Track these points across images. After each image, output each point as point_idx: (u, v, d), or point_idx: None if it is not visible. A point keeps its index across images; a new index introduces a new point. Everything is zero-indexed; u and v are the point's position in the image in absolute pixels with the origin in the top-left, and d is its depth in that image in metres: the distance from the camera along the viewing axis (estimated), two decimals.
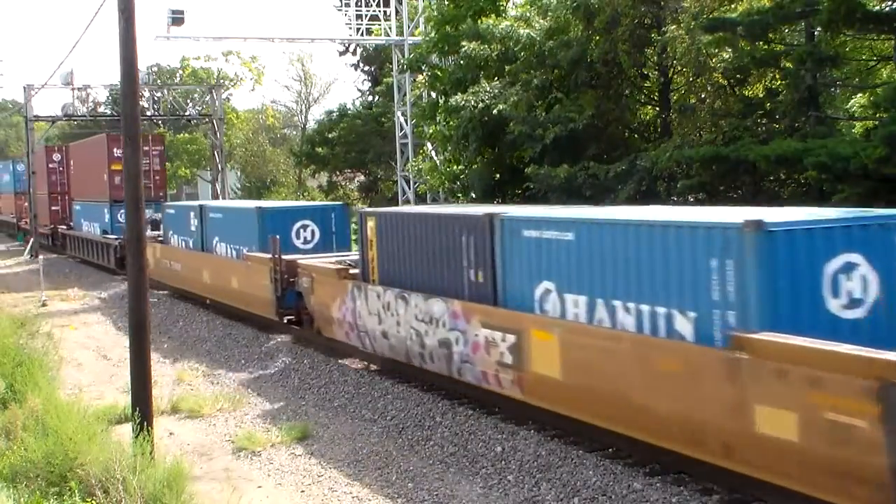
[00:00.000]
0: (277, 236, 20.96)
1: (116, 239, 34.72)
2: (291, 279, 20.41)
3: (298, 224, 22.76)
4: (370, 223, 17.50)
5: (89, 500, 9.82)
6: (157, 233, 32.40)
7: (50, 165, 49.08)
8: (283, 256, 20.72)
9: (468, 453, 13.27)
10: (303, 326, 20.79)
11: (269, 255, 21.04)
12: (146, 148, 36.36)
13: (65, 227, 47.26)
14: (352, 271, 18.47)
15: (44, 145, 52.24)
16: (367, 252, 17.55)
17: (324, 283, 19.19)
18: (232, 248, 24.99)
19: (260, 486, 12.58)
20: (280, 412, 16.37)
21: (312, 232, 22.84)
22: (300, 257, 21.02)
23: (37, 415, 12.87)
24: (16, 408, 13.51)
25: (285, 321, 21.42)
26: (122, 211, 36.38)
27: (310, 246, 22.55)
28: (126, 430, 12.84)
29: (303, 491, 12.35)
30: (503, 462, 12.73)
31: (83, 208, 43.37)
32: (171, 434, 15.06)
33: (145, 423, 11.91)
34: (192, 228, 27.90)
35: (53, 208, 49.04)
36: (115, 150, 36.29)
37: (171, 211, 31.31)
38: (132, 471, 10.09)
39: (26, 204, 52.49)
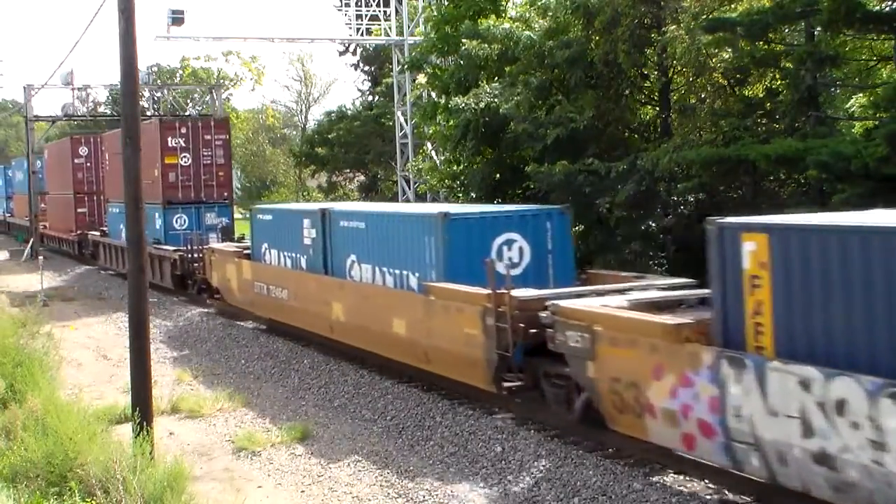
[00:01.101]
0: (492, 258, 14.79)
1: (175, 251, 29.34)
2: (531, 329, 13.33)
3: (501, 239, 15.63)
4: (753, 245, 10.00)
5: (89, 500, 9.82)
6: (232, 244, 27.38)
7: (76, 160, 42.70)
8: (514, 293, 13.74)
9: (468, 453, 13.28)
10: (546, 400, 13.68)
11: (482, 289, 14.18)
12: (206, 136, 31.50)
13: (97, 233, 40.05)
14: (692, 323, 10.97)
15: (69, 136, 45.93)
16: (745, 295, 10.00)
17: (633, 348, 11.35)
18: (386, 272, 17.36)
19: (260, 486, 12.58)
20: (280, 412, 16.37)
21: (520, 250, 15.76)
22: (541, 294, 14.00)
23: (37, 415, 12.87)
24: (16, 408, 13.51)
25: (508, 390, 14.03)
26: (181, 215, 31.13)
27: (518, 271, 15.26)
28: (126, 430, 12.84)
29: (303, 491, 12.35)
30: (503, 462, 12.73)
31: (123, 212, 38.67)
32: (171, 434, 15.06)
33: (145, 423, 11.91)
34: (307, 242, 20.33)
35: (80, 210, 42.59)
36: (169, 139, 31.04)
37: (267, 216, 23.11)
38: (132, 471, 10.09)
39: (42, 205, 49.09)
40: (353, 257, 18.65)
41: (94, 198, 42.52)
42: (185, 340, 23.88)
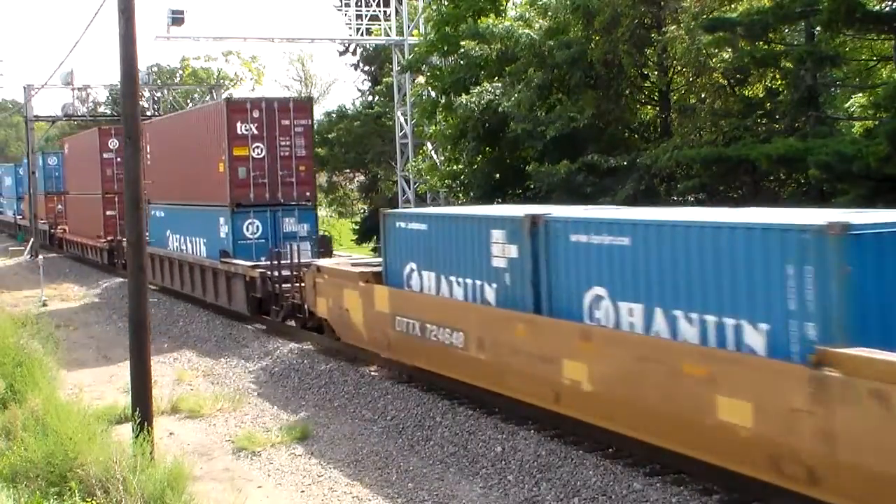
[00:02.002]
0: None
1: (253, 266, 22.77)
2: None
3: None
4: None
5: (89, 500, 9.82)
6: (341, 261, 21.81)
7: (104, 155, 37.29)
8: None
9: (468, 453, 13.27)
10: None
11: None
12: (285, 121, 24.57)
13: None
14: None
15: (97, 128, 39.75)
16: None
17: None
18: (681, 317, 11.07)
19: (260, 486, 12.59)
20: (280, 412, 16.37)
21: None
22: None
23: (37, 415, 12.88)
24: (16, 408, 13.51)
25: None
26: (254, 221, 24.57)
27: None
28: (126, 430, 12.84)
29: (303, 491, 12.35)
30: (503, 462, 12.73)
31: (172, 216, 29.29)
32: (171, 434, 15.06)
33: (145, 423, 11.91)
34: (499, 264, 14.21)
35: (110, 213, 36.96)
36: (238, 125, 24.08)
37: (417, 225, 16.59)
38: (132, 471, 10.09)
39: (59, 207, 46.87)
40: (598, 291, 12.39)
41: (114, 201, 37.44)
42: (185, 341, 23.88)
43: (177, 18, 36.46)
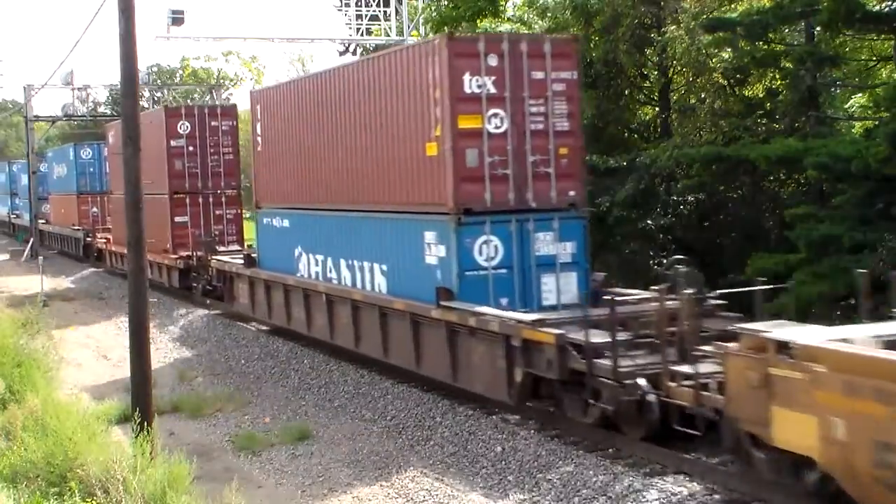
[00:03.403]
0: None
1: (516, 322, 13.27)
2: None
3: None
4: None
5: (89, 500, 9.82)
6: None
7: (173, 143, 28.29)
8: None
9: (468, 453, 13.27)
10: None
11: None
12: (537, 73, 14.99)
13: (227, 260, 24.64)
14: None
15: (162, 107, 31.57)
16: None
17: None
18: None
19: (260, 486, 12.59)
20: (280, 412, 16.37)
21: None
22: None
23: (37, 415, 12.88)
24: (16, 408, 13.51)
25: None
26: (490, 239, 14.34)
27: None
28: (126, 430, 12.84)
29: (303, 491, 12.36)
30: (503, 462, 12.72)
31: (308, 227, 19.91)
32: (171, 434, 15.06)
33: (145, 423, 11.91)
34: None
35: (180, 220, 28.46)
36: (468, 79, 14.68)
37: None
38: (132, 471, 10.09)
39: (95, 210, 41.14)
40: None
41: (207, 200, 28.85)
42: (185, 341, 23.87)
43: (177, 18, 36.39)
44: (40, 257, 36.93)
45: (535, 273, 14.95)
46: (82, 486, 10.14)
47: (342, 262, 18.10)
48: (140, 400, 12.30)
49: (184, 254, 27.63)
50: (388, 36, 39.17)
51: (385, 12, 38.93)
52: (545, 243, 15.13)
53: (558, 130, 15.17)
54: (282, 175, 20.82)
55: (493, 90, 14.79)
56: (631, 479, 11.42)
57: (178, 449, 13.46)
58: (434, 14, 33.14)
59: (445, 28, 31.19)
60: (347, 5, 40.13)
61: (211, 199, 28.92)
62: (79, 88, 46.15)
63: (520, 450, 12.91)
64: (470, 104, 14.71)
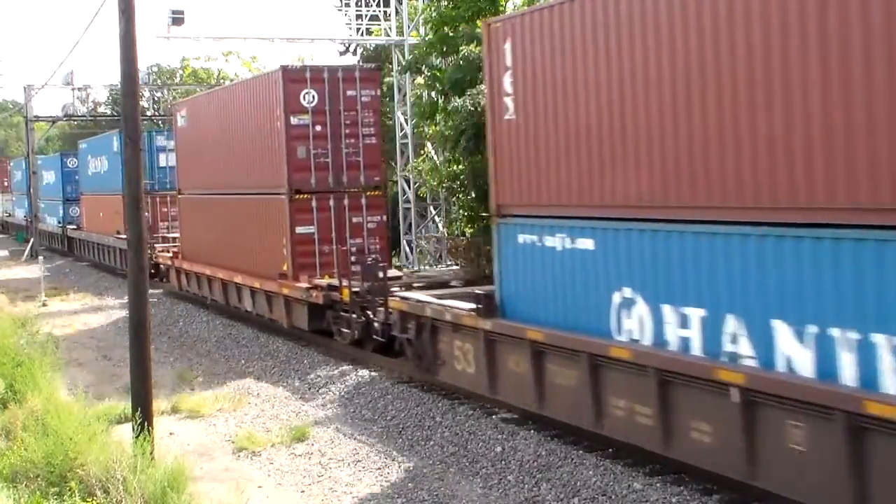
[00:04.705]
0: None
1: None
2: None
3: None
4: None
5: (89, 500, 9.82)
6: None
7: (293, 119, 20.46)
8: None
9: (468, 453, 13.28)
10: None
11: None
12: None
13: (404, 293, 17.05)
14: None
15: (280, 67, 21.27)
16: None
17: None
18: None
19: (260, 487, 12.59)
20: (280, 412, 16.38)
21: None
22: None
23: (37, 415, 12.88)
24: (16, 408, 13.52)
25: None
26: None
27: None
28: (126, 430, 12.84)
29: (303, 491, 12.36)
30: (503, 462, 12.73)
31: (622, 250, 11.35)
32: (171, 434, 15.06)
33: (145, 423, 11.92)
34: None
35: (301, 231, 20.46)
36: None
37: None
38: (132, 471, 10.09)
39: (144, 213, 32.10)
40: None
41: (341, 203, 21.04)
42: (184, 340, 23.88)
43: (177, 18, 36.42)
44: (40, 257, 36.97)
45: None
46: (82, 486, 10.15)
47: (729, 322, 10.00)
48: (140, 400, 12.31)
49: (320, 282, 19.54)
50: (388, 36, 39.25)
51: (385, 12, 38.99)
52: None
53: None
54: (523, 153, 13.10)
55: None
56: (631, 479, 11.44)
57: (178, 449, 13.53)
58: (434, 14, 33.12)
59: (446, 28, 31.18)
60: (347, 5, 40.20)
61: (346, 202, 21.02)
62: (79, 88, 46.20)
63: (520, 450, 12.92)
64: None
